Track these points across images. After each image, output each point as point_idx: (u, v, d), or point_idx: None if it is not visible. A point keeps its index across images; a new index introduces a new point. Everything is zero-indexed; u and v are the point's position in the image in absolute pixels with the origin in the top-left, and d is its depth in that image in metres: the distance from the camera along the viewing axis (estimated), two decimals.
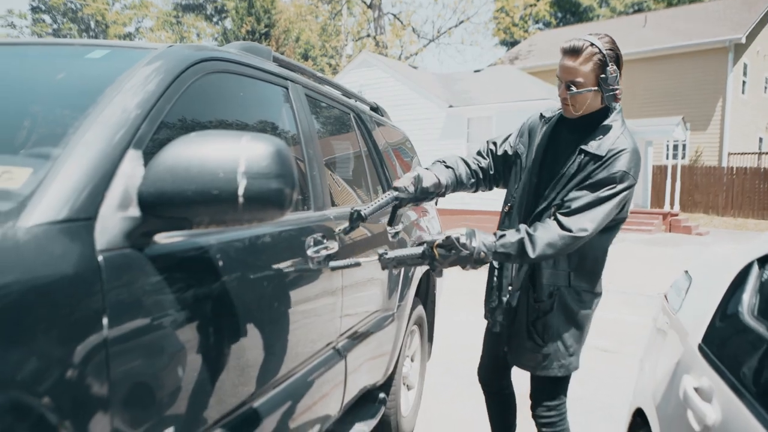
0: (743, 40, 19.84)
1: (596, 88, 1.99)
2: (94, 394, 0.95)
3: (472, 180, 2.34)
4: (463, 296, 7.36)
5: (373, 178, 2.95)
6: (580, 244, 1.95)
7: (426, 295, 3.60)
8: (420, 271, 3.16)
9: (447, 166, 2.27)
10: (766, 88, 23.82)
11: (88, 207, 1.04)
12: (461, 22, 26.75)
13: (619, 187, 1.95)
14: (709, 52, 20.59)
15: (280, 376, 1.66)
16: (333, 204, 2.22)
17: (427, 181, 2.13)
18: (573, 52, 1.98)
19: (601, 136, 2.02)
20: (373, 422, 2.55)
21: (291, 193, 1.13)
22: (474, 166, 2.34)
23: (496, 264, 2.25)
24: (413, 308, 3.12)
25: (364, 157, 2.90)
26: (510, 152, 2.32)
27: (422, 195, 2.14)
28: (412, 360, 3.40)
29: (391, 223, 2.29)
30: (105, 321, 0.99)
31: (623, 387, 3.99)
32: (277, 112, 2.01)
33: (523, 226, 1.96)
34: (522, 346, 2.19)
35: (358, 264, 1.91)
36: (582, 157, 2.03)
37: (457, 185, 2.28)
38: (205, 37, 40.78)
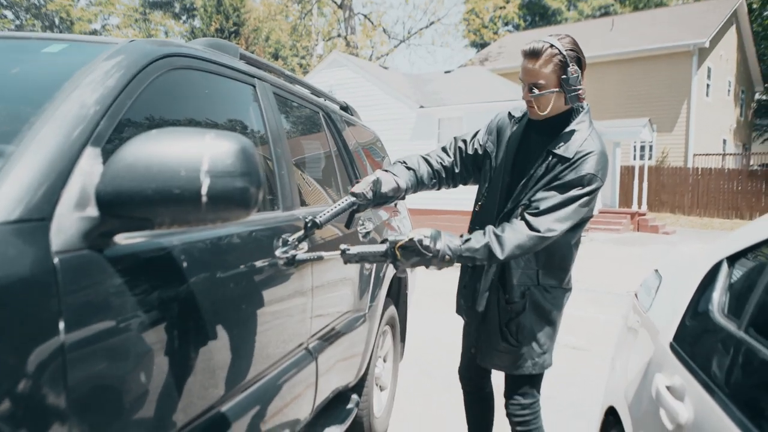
0: (707, 44, 20.31)
1: (558, 89, 1.98)
2: (51, 402, 0.91)
3: (434, 180, 2.33)
4: (435, 296, 7.37)
5: (343, 178, 2.92)
6: (548, 244, 1.96)
7: (398, 295, 3.58)
8: (392, 271, 3.14)
9: (408, 168, 2.25)
10: (729, 90, 24.43)
11: (42, 206, 0.99)
12: (432, 23, 26.83)
13: (587, 189, 1.95)
14: (674, 56, 21.02)
15: (249, 378, 1.62)
16: (303, 204, 2.19)
17: (386, 186, 2.11)
18: (533, 54, 1.97)
19: (568, 138, 2.02)
20: (345, 424, 2.52)
21: (256, 192, 1.10)
22: (437, 165, 2.33)
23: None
24: (385, 308, 3.10)
25: (334, 156, 2.87)
26: (480, 151, 2.31)
27: (380, 200, 2.12)
28: (384, 360, 3.37)
29: (348, 225, 2.25)
30: (62, 325, 0.94)
31: (593, 385, 4.03)
32: (244, 110, 1.97)
33: (489, 228, 1.95)
34: (494, 348, 2.19)
35: (320, 257, 1.88)
36: (550, 159, 2.03)
37: (418, 186, 2.27)
38: (173, 35, 40.20)
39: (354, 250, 1.89)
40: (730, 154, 22.19)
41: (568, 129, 2.04)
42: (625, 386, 1.76)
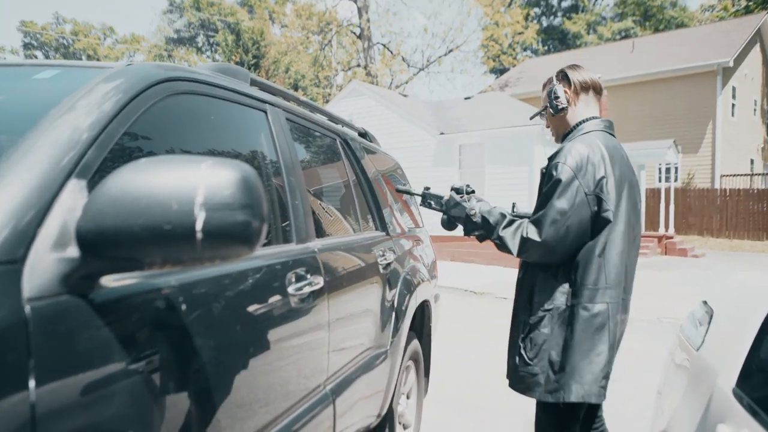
0: (731, 64, 20.01)
1: (544, 107, 2.27)
2: None
3: None
4: (459, 323, 7.16)
5: (362, 207, 2.79)
6: (553, 253, 1.98)
7: (421, 328, 3.41)
8: (414, 302, 2.98)
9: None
10: (755, 110, 24.00)
11: (15, 247, 0.87)
12: (450, 50, 26.92)
13: (556, 179, 1.97)
14: (697, 76, 20.74)
15: (261, 427, 1.47)
16: (319, 235, 2.06)
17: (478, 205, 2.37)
18: (543, 88, 2.33)
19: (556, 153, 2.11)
20: None
21: (259, 226, 0.97)
22: None
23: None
24: (408, 342, 2.94)
25: (352, 185, 2.75)
26: None
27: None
28: (408, 397, 3.20)
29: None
30: (32, 383, 0.82)
31: (628, 418, 3.79)
32: (255, 137, 1.86)
33: (525, 223, 2.06)
34: (510, 364, 2.19)
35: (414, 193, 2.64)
36: (543, 170, 2.15)
37: None
38: None
39: (429, 192, 2.49)
40: (759, 174, 21.67)
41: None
42: None
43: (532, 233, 2.00)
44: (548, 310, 2.04)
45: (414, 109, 15.87)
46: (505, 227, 2.10)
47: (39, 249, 0.90)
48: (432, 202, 2.44)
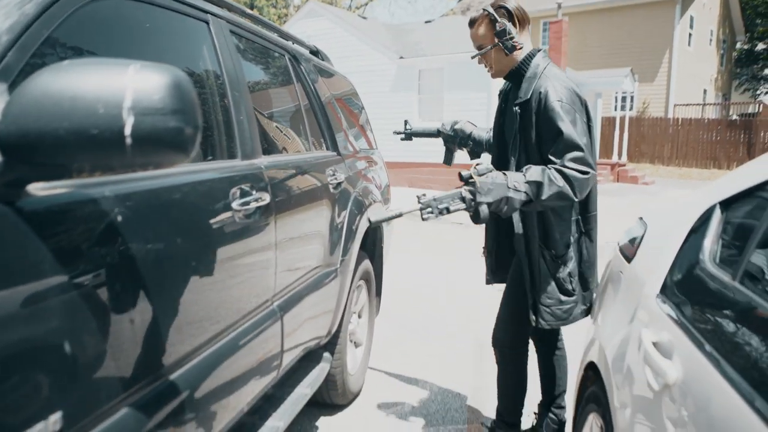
0: None
1: (494, 44, 2.17)
2: None
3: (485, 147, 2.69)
4: (417, 241, 7.28)
5: (313, 127, 2.75)
6: (593, 182, 2.07)
7: (373, 248, 3.46)
8: (365, 223, 3.01)
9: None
10: (711, 40, 24.22)
11: None
12: None
13: (565, 114, 2.01)
14: (657, 5, 20.70)
15: (205, 341, 1.50)
16: (266, 152, 2.03)
17: (464, 125, 2.75)
18: (471, 23, 2.23)
19: (525, 85, 2.15)
20: (316, 383, 2.43)
21: (193, 132, 0.95)
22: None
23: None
24: (359, 262, 2.98)
25: (302, 102, 2.69)
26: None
27: (460, 136, 2.74)
28: (359, 316, 3.28)
29: (447, 161, 2.85)
30: None
31: (571, 336, 3.99)
32: (195, 49, 1.78)
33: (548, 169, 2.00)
34: (554, 303, 2.19)
35: (399, 215, 2.18)
36: (517, 110, 2.15)
37: (482, 144, 2.69)
38: None
39: (429, 198, 2.07)
40: (711, 104, 22.15)
41: (525, 79, 2.17)
42: (607, 341, 1.67)
43: (580, 168, 1.98)
44: (571, 242, 2.19)
45: (373, 32, 15.47)
46: (550, 180, 1.97)
47: None
48: (448, 206, 2.05)
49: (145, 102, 0.89)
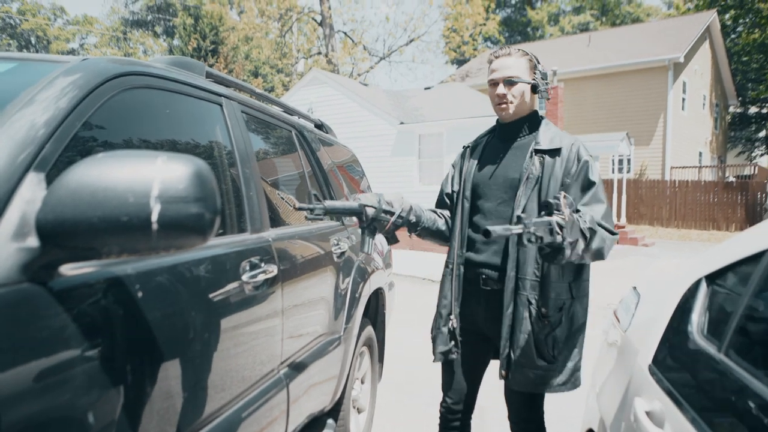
0: (681, 59, 20.64)
1: (531, 81, 2.12)
2: None
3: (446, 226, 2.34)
4: (414, 313, 7.29)
5: (317, 196, 2.86)
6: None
7: (375, 315, 3.52)
8: (368, 290, 3.08)
9: (428, 210, 2.33)
10: (704, 104, 24.83)
11: None
12: (412, 40, 26.99)
13: (595, 173, 2.02)
14: (650, 71, 21.33)
15: (215, 410, 1.54)
16: (273, 225, 2.13)
17: (391, 198, 2.12)
18: (507, 53, 2.14)
19: (544, 134, 2.11)
20: None
21: (212, 218, 1.04)
22: (443, 217, 2.35)
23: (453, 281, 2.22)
24: (362, 329, 3.04)
25: (307, 175, 2.81)
26: (456, 187, 2.34)
27: (386, 211, 2.05)
28: (362, 382, 3.30)
29: (362, 247, 2.12)
30: None
31: (571, 402, 3.97)
32: (210, 130, 1.91)
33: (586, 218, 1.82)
34: (530, 366, 2.04)
35: (519, 233, 1.65)
36: (540, 157, 2.07)
37: (436, 226, 2.29)
38: (152, 54, 40.13)
39: (530, 221, 1.64)
40: (707, 167, 22.48)
41: (540, 128, 2.14)
42: (604, 408, 1.71)
43: (610, 228, 1.91)
44: (564, 307, 2.02)
45: (375, 99, 15.91)
46: (600, 233, 1.84)
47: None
48: (542, 237, 1.64)
49: (170, 191, 0.99)
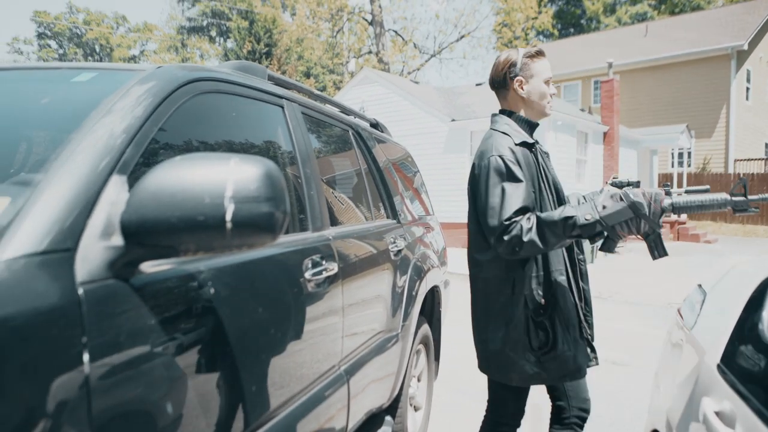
0: (745, 47, 19.82)
1: None
2: None
3: None
4: (462, 311, 7.27)
5: (374, 195, 2.90)
6: None
7: (431, 313, 3.53)
8: (425, 288, 3.10)
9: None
10: None
11: (68, 237, 0.99)
12: (462, 36, 26.85)
13: None
14: (711, 60, 20.56)
15: (279, 404, 1.59)
16: (333, 224, 2.17)
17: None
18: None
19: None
20: None
21: (282, 217, 1.08)
22: None
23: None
24: (418, 327, 3.06)
25: (364, 174, 2.85)
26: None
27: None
28: (418, 380, 3.32)
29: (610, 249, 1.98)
30: (86, 357, 0.93)
31: (635, 402, 3.89)
32: (273, 131, 1.97)
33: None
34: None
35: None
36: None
37: None
38: (208, 58, 41.22)
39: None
40: None
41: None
42: (669, 408, 1.68)
43: None
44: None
45: (425, 96, 15.90)
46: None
47: (88, 239, 1.01)
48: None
49: (243, 191, 1.03)
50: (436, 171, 14.16)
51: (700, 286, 1.97)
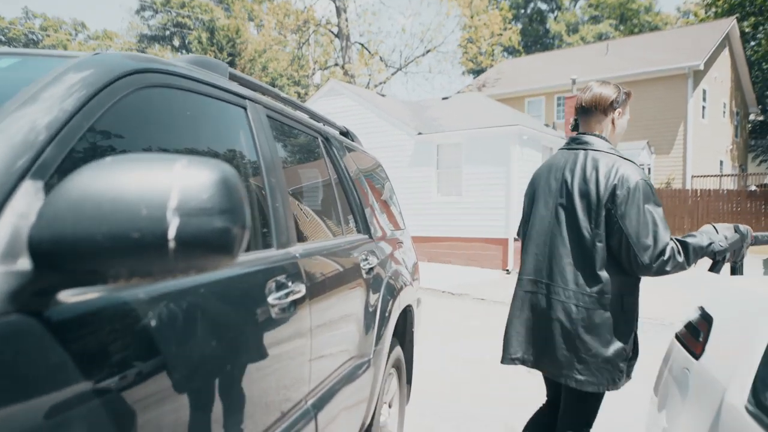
0: (701, 67, 20.31)
1: None
2: None
3: None
4: (439, 326, 7.08)
5: (344, 208, 2.68)
6: None
7: (404, 334, 3.32)
8: (398, 308, 2.88)
9: None
10: (724, 112, 24.41)
11: None
12: (428, 51, 26.89)
13: None
14: (669, 79, 21.01)
15: None
16: (300, 239, 1.95)
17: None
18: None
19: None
20: None
21: (240, 233, 0.85)
22: None
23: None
24: (391, 349, 2.84)
25: (334, 184, 2.63)
26: None
27: None
28: (390, 406, 3.09)
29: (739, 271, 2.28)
30: None
31: (620, 422, 3.73)
32: (233, 135, 1.74)
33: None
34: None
35: None
36: None
37: None
38: None
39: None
40: (728, 175, 22.05)
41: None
42: None
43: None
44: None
45: (392, 109, 15.77)
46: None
47: None
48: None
49: (192, 202, 0.81)
50: (402, 184, 14.01)
51: (702, 308, 1.81)
